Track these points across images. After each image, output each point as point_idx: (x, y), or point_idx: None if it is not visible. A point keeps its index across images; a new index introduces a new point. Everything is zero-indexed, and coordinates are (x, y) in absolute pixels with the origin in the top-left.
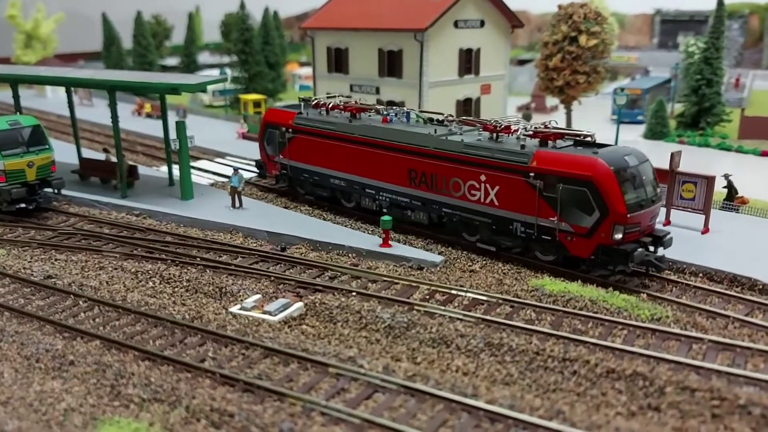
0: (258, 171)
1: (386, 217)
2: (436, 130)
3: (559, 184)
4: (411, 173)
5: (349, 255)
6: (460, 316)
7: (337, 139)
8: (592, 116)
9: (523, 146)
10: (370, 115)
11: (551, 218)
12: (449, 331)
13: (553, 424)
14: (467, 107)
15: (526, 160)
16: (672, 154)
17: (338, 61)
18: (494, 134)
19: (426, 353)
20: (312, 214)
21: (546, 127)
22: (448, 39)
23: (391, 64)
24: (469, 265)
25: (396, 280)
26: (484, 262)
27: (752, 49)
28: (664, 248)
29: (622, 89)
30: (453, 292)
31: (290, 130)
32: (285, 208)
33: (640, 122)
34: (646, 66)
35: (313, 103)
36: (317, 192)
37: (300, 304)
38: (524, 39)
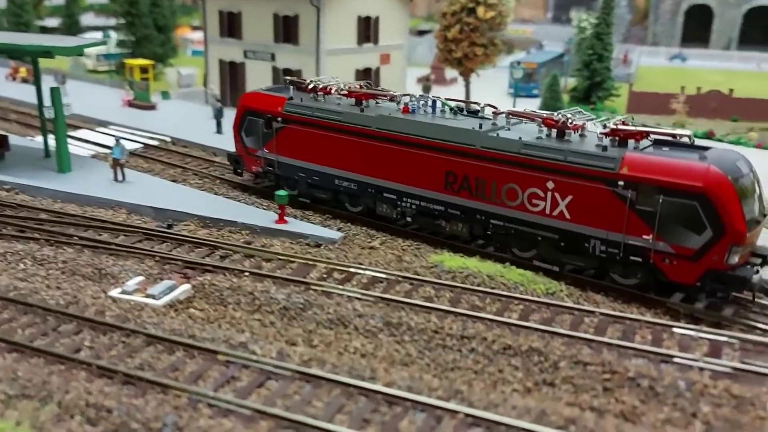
0: (233, 166)
1: (281, 192)
2: (481, 125)
3: (658, 195)
4: (449, 176)
5: (243, 232)
6: (359, 295)
7: (345, 132)
8: (490, 89)
9: (604, 148)
10: (378, 103)
11: (645, 236)
12: (347, 311)
13: (451, 405)
14: (367, 77)
15: (613, 165)
16: None
17: (231, 26)
18: (559, 131)
19: (323, 335)
20: (203, 188)
21: (625, 123)
22: (346, 6)
23: (287, 30)
24: (369, 242)
25: (292, 259)
26: (384, 238)
27: (638, 26)
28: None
29: (518, 63)
30: (351, 270)
31: (279, 119)
32: (173, 181)
33: (535, 96)
34: (540, 40)
35: (308, 86)
36: (315, 194)
37: (187, 285)
38: (423, 9)
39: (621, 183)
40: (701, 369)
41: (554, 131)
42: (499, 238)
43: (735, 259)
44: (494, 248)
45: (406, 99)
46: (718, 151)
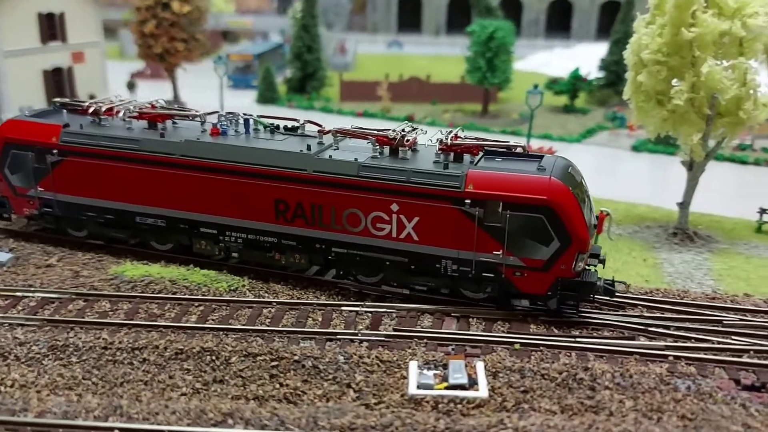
0: None
1: None
2: (309, 146)
3: (505, 211)
4: (279, 205)
5: None
6: (22, 322)
7: (143, 162)
8: (208, 81)
9: (446, 165)
10: (176, 124)
11: (495, 252)
12: (6, 341)
13: (106, 424)
14: (58, 77)
15: (458, 184)
16: None
17: None
18: (394, 149)
19: None
20: None
21: (457, 137)
22: (21, 3)
23: None
24: (46, 260)
25: None
26: (63, 254)
27: (359, 15)
28: (603, 267)
29: (220, 57)
30: (18, 294)
31: (55, 151)
32: None
33: (254, 87)
34: (266, 30)
35: (89, 109)
36: (110, 234)
37: None
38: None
39: (468, 201)
40: (361, 341)
41: (387, 149)
42: (343, 266)
43: (580, 266)
44: (338, 275)
45: (213, 119)
46: (550, 158)
